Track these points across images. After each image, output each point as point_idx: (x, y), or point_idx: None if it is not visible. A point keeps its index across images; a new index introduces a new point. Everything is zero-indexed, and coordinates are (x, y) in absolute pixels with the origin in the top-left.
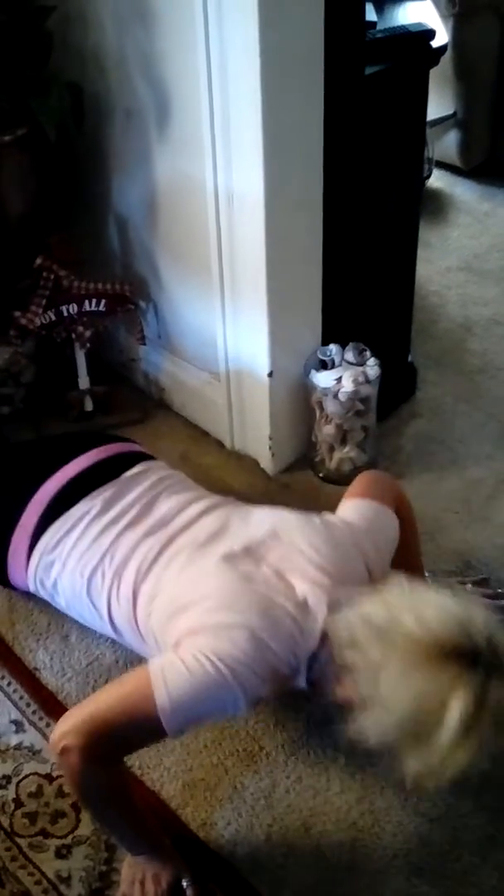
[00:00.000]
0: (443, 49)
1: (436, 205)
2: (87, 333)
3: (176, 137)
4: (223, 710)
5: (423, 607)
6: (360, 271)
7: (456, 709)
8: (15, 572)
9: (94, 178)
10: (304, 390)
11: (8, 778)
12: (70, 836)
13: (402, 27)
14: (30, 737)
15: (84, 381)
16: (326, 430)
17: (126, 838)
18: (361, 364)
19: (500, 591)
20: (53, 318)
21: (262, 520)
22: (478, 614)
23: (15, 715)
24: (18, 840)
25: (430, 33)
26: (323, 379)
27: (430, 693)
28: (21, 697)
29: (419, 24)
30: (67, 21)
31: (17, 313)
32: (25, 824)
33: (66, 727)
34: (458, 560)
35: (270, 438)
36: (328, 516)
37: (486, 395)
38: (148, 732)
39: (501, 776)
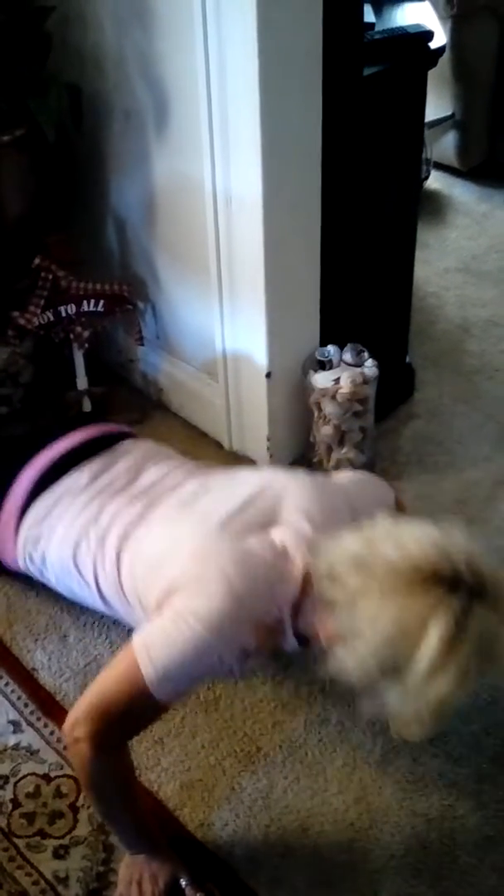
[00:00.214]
0: (441, 50)
1: (434, 206)
2: (86, 334)
3: (174, 138)
4: (213, 670)
5: (402, 535)
6: (359, 272)
7: (434, 632)
8: (4, 551)
9: (93, 178)
10: (303, 391)
11: (6, 778)
12: (68, 837)
13: (401, 28)
14: (27, 737)
15: (82, 382)
16: (324, 431)
17: (127, 833)
18: (359, 365)
19: None
20: (52, 318)
21: (249, 478)
22: (458, 539)
23: (13, 715)
24: (16, 840)
25: (429, 34)
26: (321, 380)
27: (409, 618)
28: (19, 698)
29: (417, 26)
30: (66, 21)
31: (16, 313)
32: (23, 825)
33: (74, 717)
34: None
35: (268, 439)
36: (319, 475)
37: (485, 396)
38: (146, 707)
39: (499, 776)
